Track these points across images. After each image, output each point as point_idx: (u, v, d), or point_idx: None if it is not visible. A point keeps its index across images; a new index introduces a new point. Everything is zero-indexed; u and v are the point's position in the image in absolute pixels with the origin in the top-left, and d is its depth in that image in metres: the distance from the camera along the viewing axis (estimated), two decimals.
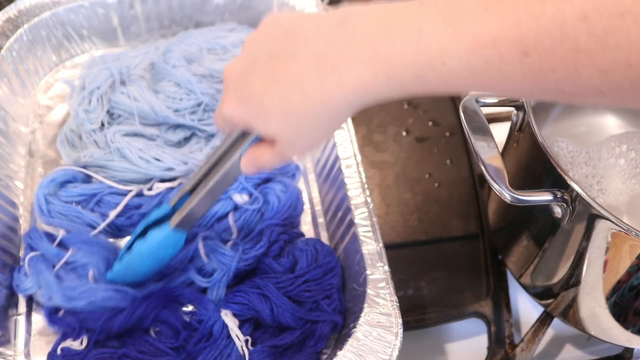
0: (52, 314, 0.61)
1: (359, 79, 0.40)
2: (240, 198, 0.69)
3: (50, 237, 0.65)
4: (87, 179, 0.71)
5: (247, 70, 0.45)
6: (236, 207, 0.70)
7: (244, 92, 0.45)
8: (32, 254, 0.63)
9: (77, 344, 0.59)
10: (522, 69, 0.35)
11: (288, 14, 0.45)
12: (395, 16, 0.39)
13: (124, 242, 0.69)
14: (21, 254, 0.67)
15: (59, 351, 0.59)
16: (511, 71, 0.35)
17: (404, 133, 0.86)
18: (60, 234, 0.65)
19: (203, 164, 0.54)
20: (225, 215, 0.70)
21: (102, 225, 0.67)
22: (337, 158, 0.68)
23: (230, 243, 0.65)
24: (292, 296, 0.62)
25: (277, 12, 0.47)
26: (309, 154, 0.69)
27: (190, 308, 0.62)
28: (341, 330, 0.62)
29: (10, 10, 0.77)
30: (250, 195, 0.70)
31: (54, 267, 0.63)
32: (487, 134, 0.56)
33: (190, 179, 0.55)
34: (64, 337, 0.60)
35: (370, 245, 0.61)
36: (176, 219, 0.55)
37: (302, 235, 0.69)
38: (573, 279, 0.60)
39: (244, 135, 0.50)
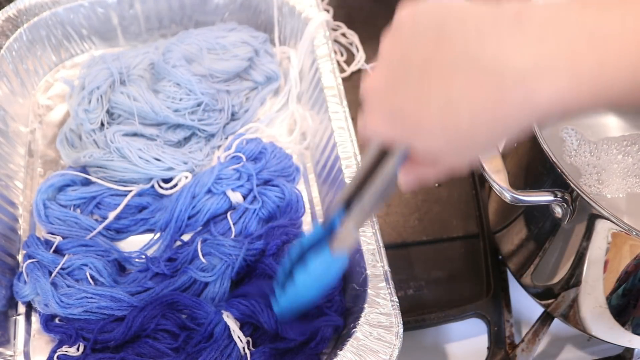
0: (48, 321, 0.61)
1: (556, 92, 0.32)
2: (234, 196, 0.69)
3: (48, 244, 0.66)
4: (87, 181, 0.71)
5: (394, 85, 0.38)
6: (232, 207, 0.70)
7: (393, 110, 0.38)
8: (29, 261, 0.63)
9: (73, 350, 0.59)
10: None
11: (431, 7, 0.36)
12: (596, 8, 0.31)
13: (123, 243, 0.69)
14: (21, 256, 0.67)
15: (55, 359, 0.59)
16: None
17: None
18: (57, 240, 0.65)
19: (353, 179, 0.48)
20: (222, 214, 0.70)
21: (101, 226, 0.67)
22: (337, 158, 0.68)
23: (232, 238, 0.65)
24: None
25: (411, 3, 0.38)
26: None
27: (185, 316, 0.62)
28: (341, 331, 0.62)
29: (10, 10, 0.77)
30: (245, 196, 0.70)
31: (50, 273, 0.63)
32: None
33: (341, 194, 0.50)
34: (60, 344, 0.60)
35: (370, 245, 0.61)
36: (336, 243, 0.51)
37: (302, 235, 0.69)
38: (573, 279, 0.60)
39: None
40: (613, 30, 0.31)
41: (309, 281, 0.53)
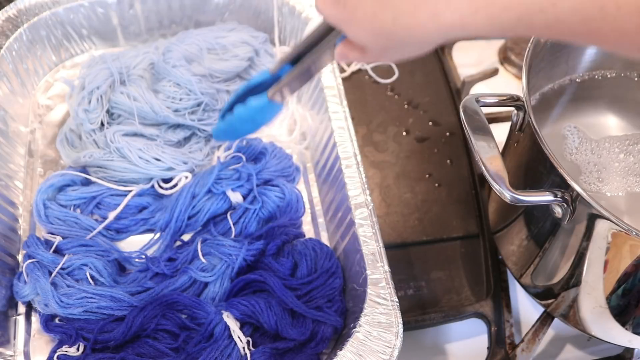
0: (48, 321, 0.62)
1: (456, 13, 0.39)
2: (234, 196, 0.69)
3: (48, 244, 0.66)
4: (87, 181, 0.71)
5: None
6: (232, 207, 0.70)
7: None
8: (29, 261, 0.63)
9: (73, 350, 0.59)
10: None
11: None
12: None
13: (123, 243, 0.69)
14: (21, 256, 0.67)
15: (55, 359, 0.59)
16: (627, 26, 0.34)
17: (404, 133, 0.85)
18: (57, 240, 0.65)
19: (305, 38, 0.55)
20: (222, 214, 0.70)
21: (101, 226, 0.67)
22: (337, 158, 0.68)
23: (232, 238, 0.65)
24: (296, 309, 0.62)
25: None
26: None
27: (185, 316, 0.62)
28: (341, 331, 0.62)
29: (10, 10, 0.77)
30: (245, 196, 0.70)
31: (50, 273, 0.63)
32: (487, 134, 0.56)
33: (291, 51, 0.56)
34: (60, 344, 0.60)
35: (370, 245, 0.61)
36: (273, 91, 0.57)
37: (302, 235, 0.69)
38: (573, 279, 0.60)
39: None
40: None
41: (243, 114, 0.59)
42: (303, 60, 0.55)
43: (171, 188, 0.71)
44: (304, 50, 0.55)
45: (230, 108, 0.61)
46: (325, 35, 0.53)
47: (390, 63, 0.50)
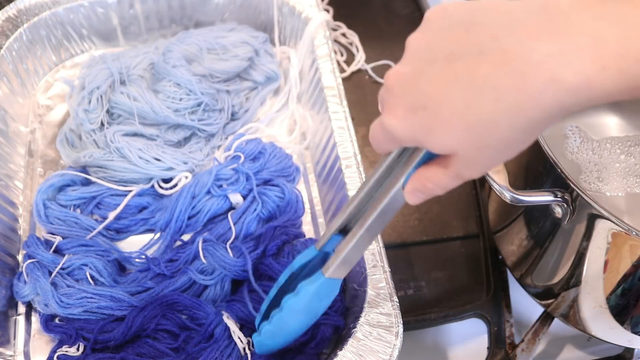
0: (48, 321, 0.61)
1: (580, 73, 0.32)
2: (234, 196, 0.69)
3: (48, 244, 0.66)
4: (87, 181, 0.71)
5: (418, 75, 0.37)
6: (232, 207, 0.70)
7: (416, 100, 0.37)
8: (29, 261, 0.63)
9: (73, 350, 0.59)
10: None
11: (460, 4, 0.36)
12: None
13: (123, 243, 0.69)
14: (20, 256, 0.67)
15: (55, 359, 0.59)
16: None
17: None
18: (57, 240, 0.65)
19: (352, 198, 0.47)
20: (222, 214, 0.70)
21: (101, 226, 0.67)
22: (337, 158, 0.68)
23: (230, 242, 0.65)
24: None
25: (444, 3, 0.39)
26: None
27: (185, 317, 0.62)
28: (341, 331, 0.62)
29: (10, 10, 0.77)
30: (245, 196, 0.70)
31: (50, 273, 0.63)
32: None
33: (338, 216, 0.48)
34: (60, 344, 0.60)
35: (370, 245, 0.61)
36: (331, 266, 0.47)
37: (302, 235, 0.69)
38: (573, 279, 0.60)
39: (403, 156, 0.43)
40: (637, 16, 0.31)
41: (297, 305, 0.49)
42: (364, 217, 0.45)
43: (171, 188, 0.71)
44: (355, 212, 0.46)
45: (273, 306, 0.50)
46: (383, 181, 0.44)
47: (478, 175, 0.40)
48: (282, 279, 0.51)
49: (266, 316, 0.52)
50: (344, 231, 0.48)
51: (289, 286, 0.50)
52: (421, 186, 0.42)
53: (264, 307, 0.52)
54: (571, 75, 0.32)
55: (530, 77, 0.32)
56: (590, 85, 0.32)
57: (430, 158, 0.41)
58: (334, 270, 0.47)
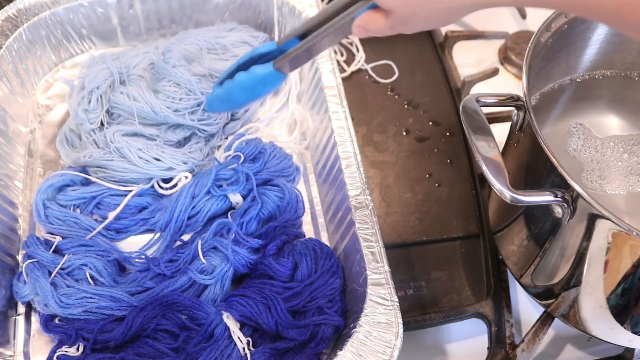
0: (48, 322, 0.61)
1: None
2: (234, 197, 0.69)
3: (48, 244, 0.66)
4: (87, 181, 0.71)
5: None
6: (232, 207, 0.70)
7: None
8: (29, 261, 0.63)
9: (73, 350, 0.59)
10: None
11: None
12: None
13: (123, 243, 0.69)
14: (20, 256, 0.67)
15: (55, 359, 0.59)
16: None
17: (404, 133, 0.85)
18: (56, 240, 0.65)
19: (317, 14, 0.56)
20: (221, 215, 0.70)
21: (101, 226, 0.67)
22: (337, 158, 0.68)
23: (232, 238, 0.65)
24: (298, 309, 0.62)
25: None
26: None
27: (185, 317, 0.62)
28: (341, 331, 0.62)
29: (10, 10, 0.77)
30: (245, 196, 0.70)
31: (50, 274, 0.63)
32: (488, 134, 0.56)
33: (303, 24, 0.57)
34: (60, 344, 0.60)
35: (370, 245, 0.61)
36: (280, 61, 0.58)
37: (302, 235, 0.69)
38: (574, 280, 0.60)
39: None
40: None
41: (245, 82, 0.59)
42: (316, 33, 0.55)
43: (171, 188, 0.71)
44: (316, 25, 0.56)
45: (229, 77, 0.61)
46: (343, 10, 0.53)
47: (408, 32, 0.50)
48: (242, 58, 0.61)
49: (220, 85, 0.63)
50: (302, 37, 0.58)
51: (246, 67, 0.60)
52: (365, 25, 0.51)
53: (223, 75, 0.63)
54: None
55: None
56: None
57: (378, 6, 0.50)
58: (282, 65, 0.58)
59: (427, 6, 0.46)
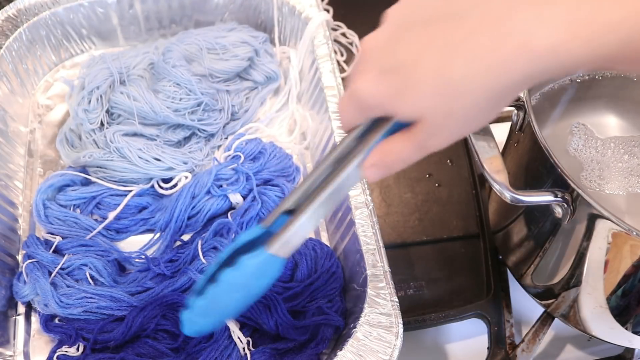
0: (48, 322, 0.61)
1: (550, 38, 0.32)
2: (234, 197, 0.69)
3: (48, 244, 0.66)
4: (87, 181, 0.71)
5: (394, 40, 0.37)
6: (232, 207, 0.70)
7: (390, 63, 0.37)
8: (29, 261, 0.63)
9: (73, 350, 0.59)
10: None
11: None
12: None
13: (123, 243, 0.69)
14: (20, 256, 0.67)
15: (55, 359, 0.59)
16: None
17: None
18: (56, 240, 0.65)
19: (305, 178, 0.45)
20: (221, 215, 0.70)
21: (101, 226, 0.67)
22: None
23: (231, 238, 0.65)
24: (298, 310, 0.62)
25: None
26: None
27: None
28: (341, 331, 0.62)
29: (10, 10, 0.77)
30: (245, 196, 0.70)
31: (50, 274, 0.63)
32: (488, 134, 0.56)
33: (291, 194, 0.45)
34: (60, 344, 0.60)
35: (370, 245, 0.61)
36: (275, 242, 0.44)
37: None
38: (574, 280, 0.60)
39: (364, 136, 0.41)
40: None
41: (234, 280, 0.45)
42: (314, 195, 0.43)
43: (171, 188, 0.71)
44: (308, 191, 0.44)
45: (209, 281, 0.46)
46: (339, 159, 0.42)
47: (441, 146, 0.40)
48: (223, 254, 0.47)
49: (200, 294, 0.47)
50: (292, 212, 0.45)
51: (230, 263, 0.46)
52: (381, 160, 0.41)
53: (200, 283, 0.47)
54: (542, 41, 0.32)
55: (504, 42, 0.33)
56: (558, 52, 0.32)
57: (392, 133, 0.40)
58: (278, 248, 0.44)
59: (468, 95, 0.35)
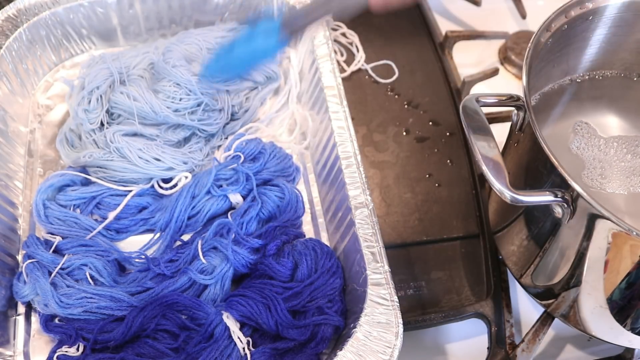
0: (48, 322, 0.61)
1: None
2: (234, 197, 0.69)
3: (48, 244, 0.66)
4: (87, 181, 0.71)
5: None
6: (232, 207, 0.70)
7: None
8: (29, 261, 0.63)
9: (73, 350, 0.59)
10: None
11: None
12: None
13: (123, 243, 0.69)
14: (20, 256, 0.67)
15: (55, 359, 0.59)
16: None
17: (404, 133, 0.85)
18: (56, 240, 0.65)
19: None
20: (221, 215, 0.70)
21: (101, 226, 0.67)
22: (337, 158, 0.68)
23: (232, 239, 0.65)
24: (298, 309, 0.62)
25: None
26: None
27: (185, 317, 0.62)
28: (341, 331, 0.62)
29: (10, 10, 0.77)
30: (245, 196, 0.70)
31: (50, 274, 0.63)
32: (488, 134, 0.56)
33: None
34: (60, 344, 0.60)
35: (370, 245, 0.61)
36: (289, 19, 0.55)
37: (302, 235, 0.69)
38: (574, 280, 0.60)
39: None
40: None
41: (248, 41, 0.56)
42: None
43: (171, 188, 0.71)
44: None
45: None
46: None
47: None
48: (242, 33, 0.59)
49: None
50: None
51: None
52: None
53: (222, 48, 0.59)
54: None
55: None
56: None
57: None
58: (287, 24, 0.55)
59: None
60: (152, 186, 0.71)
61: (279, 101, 0.81)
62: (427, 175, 0.81)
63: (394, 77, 0.91)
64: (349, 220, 0.64)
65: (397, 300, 0.57)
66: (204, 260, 0.64)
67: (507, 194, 0.53)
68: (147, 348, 0.60)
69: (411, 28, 0.98)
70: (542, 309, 0.69)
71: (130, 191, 0.70)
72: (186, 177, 0.71)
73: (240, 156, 0.72)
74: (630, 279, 0.56)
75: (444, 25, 0.98)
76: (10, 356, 0.61)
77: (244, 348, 0.59)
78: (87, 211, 0.69)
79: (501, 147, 0.64)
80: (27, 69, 0.79)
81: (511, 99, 0.60)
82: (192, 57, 0.77)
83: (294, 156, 0.76)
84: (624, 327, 0.61)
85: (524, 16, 1.01)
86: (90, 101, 0.72)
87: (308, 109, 0.79)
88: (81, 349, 0.59)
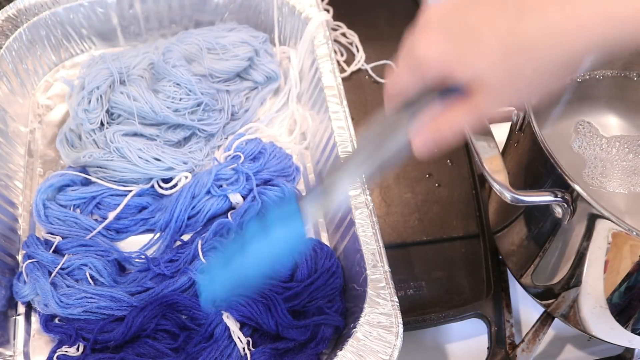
0: (48, 322, 0.61)
1: (631, 4, 0.31)
2: (234, 196, 0.69)
3: (48, 244, 0.66)
4: (87, 181, 0.71)
5: (464, 5, 0.37)
6: (232, 207, 0.70)
7: (458, 26, 0.36)
8: (29, 261, 0.63)
9: (73, 350, 0.59)
10: None
11: None
12: None
13: (123, 243, 0.69)
14: (20, 256, 0.67)
15: (55, 359, 0.59)
16: None
17: None
18: (56, 240, 0.65)
19: (348, 157, 0.44)
20: (221, 215, 0.70)
21: (101, 226, 0.67)
22: (337, 158, 0.68)
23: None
24: (298, 310, 0.62)
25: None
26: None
27: (185, 317, 0.62)
28: (341, 331, 0.62)
29: (10, 10, 0.77)
30: (245, 196, 0.70)
31: (50, 274, 0.63)
32: (488, 134, 0.56)
33: (335, 171, 0.44)
34: (60, 344, 0.60)
35: (370, 245, 0.61)
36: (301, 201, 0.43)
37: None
38: (574, 280, 0.60)
39: (408, 110, 0.41)
40: None
41: (264, 249, 0.44)
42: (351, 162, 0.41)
43: (171, 188, 0.71)
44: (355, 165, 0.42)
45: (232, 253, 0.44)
46: (391, 129, 0.41)
47: (499, 107, 0.39)
48: (251, 227, 0.44)
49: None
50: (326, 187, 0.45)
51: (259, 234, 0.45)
52: (435, 132, 0.40)
53: (224, 252, 0.47)
54: (622, 8, 0.31)
55: (581, 7, 0.32)
56: (637, 18, 0.31)
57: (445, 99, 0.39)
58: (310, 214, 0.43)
59: (537, 58, 0.34)
60: (152, 186, 0.71)
61: (279, 101, 0.81)
62: (427, 175, 0.81)
63: None
64: (349, 220, 0.64)
65: (397, 300, 0.57)
66: (204, 260, 0.64)
67: (507, 194, 0.53)
68: (147, 348, 0.60)
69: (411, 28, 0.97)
70: (542, 309, 0.69)
71: (130, 191, 0.70)
72: (186, 177, 0.71)
73: (240, 156, 0.72)
74: (630, 279, 0.56)
75: None
76: (10, 356, 0.61)
77: (244, 348, 0.59)
78: (87, 211, 0.69)
79: (501, 147, 0.64)
80: (27, 69, 0.79)
81: None
82: (192, 57, 0.77)
83: (294, 156, 0.76)
84: (624, 327, 0.61)
85: None
86: (90, 101, 0.72)
87: (308, 109, 0.79)
88: (81, 349, 0.59)
